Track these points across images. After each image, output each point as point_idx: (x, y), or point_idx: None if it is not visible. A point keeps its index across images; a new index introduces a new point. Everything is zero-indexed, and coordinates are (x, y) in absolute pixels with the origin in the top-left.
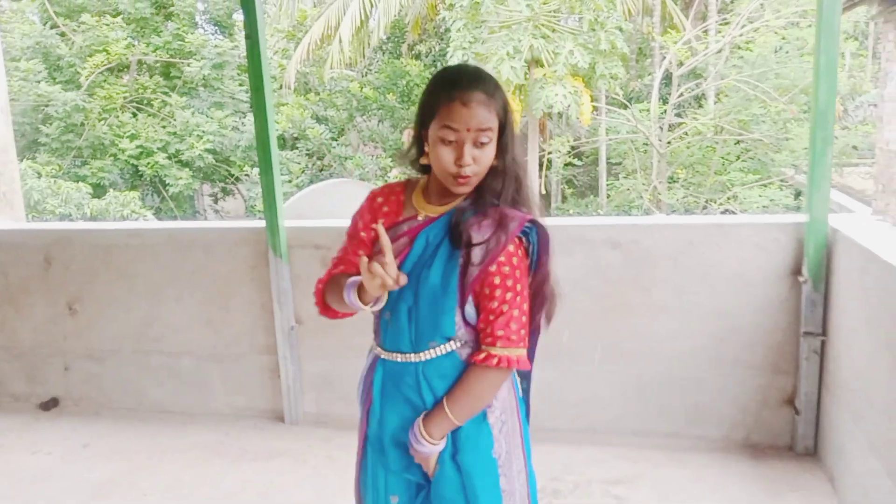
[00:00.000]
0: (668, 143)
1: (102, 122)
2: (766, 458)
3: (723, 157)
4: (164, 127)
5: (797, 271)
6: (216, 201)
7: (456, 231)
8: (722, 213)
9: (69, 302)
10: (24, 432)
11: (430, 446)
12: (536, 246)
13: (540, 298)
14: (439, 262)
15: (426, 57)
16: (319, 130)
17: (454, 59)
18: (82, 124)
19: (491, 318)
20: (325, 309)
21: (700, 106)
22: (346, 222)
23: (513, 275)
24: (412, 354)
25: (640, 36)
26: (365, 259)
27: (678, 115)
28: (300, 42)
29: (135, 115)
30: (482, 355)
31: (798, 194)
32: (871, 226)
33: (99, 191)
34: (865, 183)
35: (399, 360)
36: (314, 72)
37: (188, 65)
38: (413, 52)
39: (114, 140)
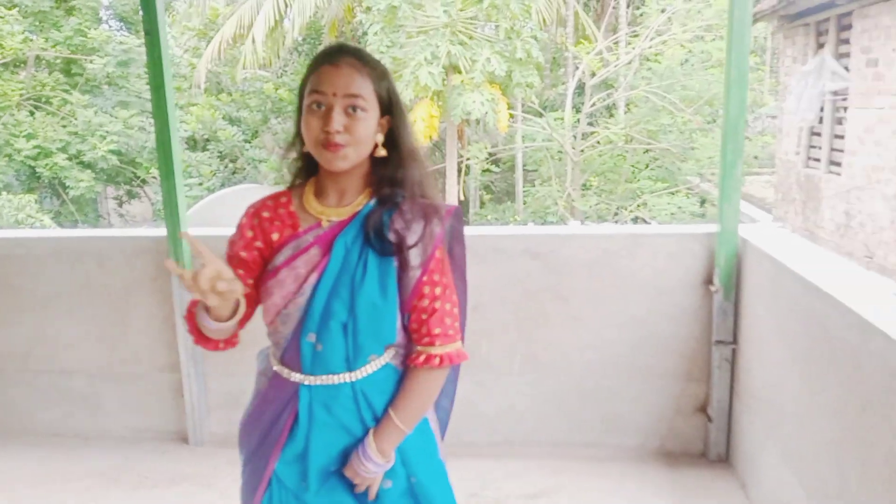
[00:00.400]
0: (582, 151)
1: None
2: (681, 466)
3: (633, 166)
4: (64, 126)
5: (709, 280)
6: (121, 205)
7: (380, 235)
8: (633, 219)
9: None
10: None
11: (383, 464)
12: (451, 234)
13: (462, 287)
14: (372, 268)
15: None
16: (232, 132)
17: None
18: None
19: (424, 316)
20: (200, 338)
21: (611, 115)
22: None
23: (438, 268)
24: (346, 374)
25: (553, 46)
26: (174, 266)
27: (590, 123)
28: (211, 40)
29: (32, 113)
30: (421, 357)
31: (703, 202)
32: (780, 236)
33: None
34: (765, 191)
35: (333, 381)
36: (226, 71)
37: (91, 61)
38: None
39: (9, 139)
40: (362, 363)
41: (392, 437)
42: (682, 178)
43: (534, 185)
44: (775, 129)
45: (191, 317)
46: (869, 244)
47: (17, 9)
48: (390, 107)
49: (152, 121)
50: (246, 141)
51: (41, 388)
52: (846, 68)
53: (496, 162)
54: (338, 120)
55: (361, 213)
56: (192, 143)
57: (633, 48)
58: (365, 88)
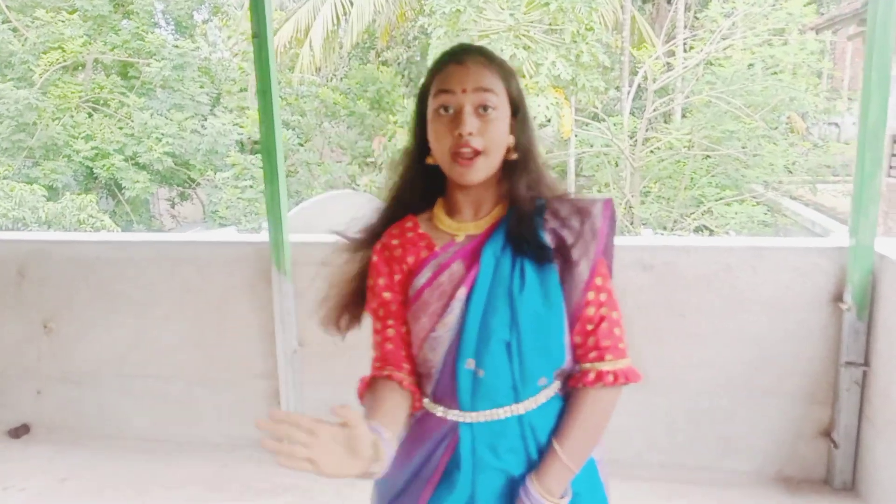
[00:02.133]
0: (644, 156)
1: (56, 122)
2: (802, 492)
3: (693, 173)
4: (120, 128)
5: (838, 298)
6: (173, 206)
7: (535, 239)
8: (696, 228)
9: (44, 320)
10: None
11: None
12: (610, 230)
13: None
14: (531, 276)
15: (395, 64)
16: (287, 135)
17: None
18: (35, 124)
19: (590, 327)
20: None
21: (666, 121)
22: (353, 237)
23: (602, 271)
24: (514, 406)
25: (608, 50)
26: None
27: (647, 129)
28: None
29: (90, 115)
30: (591, 375)
31: (769, 210)
32: None
33: (52, 193)
34: (836, 200)
35: (499, 416)
36: (281, 76)
37: (147, 65)
38: (381, 59)
39: (68, 141)
40: (532, 391)
41: (560, 475)
42: (747, 185)
43: (590, 192)
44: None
45: (362, 395)
46: None
47: (77, 13)
48: (519, 106)
49: (205, 124)
50: (300, 144)
51: (137, 394)
52: None
53: (554, 168)
54: (470, 122)
55: (504, 222)
56: (242, 146)
57: (698, 52)
58: (495, 84)
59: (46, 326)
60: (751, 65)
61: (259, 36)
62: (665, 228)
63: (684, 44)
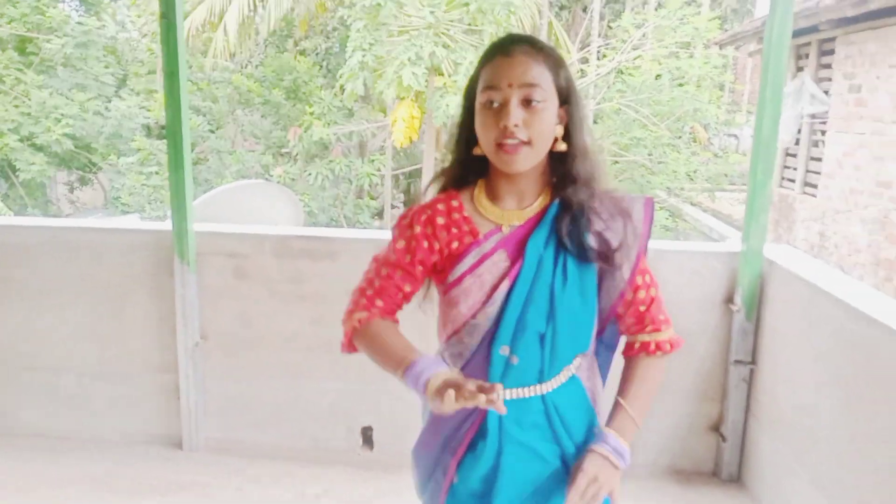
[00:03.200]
0: None
1: None
2: (692, 484)
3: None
4: (16, 107)
5: (729, 299)
6: (72, 191)
7: (580, 241)
8: None
9: None
10: None
11: (627, 456)
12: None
13: None
14: (573, 274)
15: (313, 54)
16: (197, 122)
17: (353, 59)
18: None
19: (642, 308)
20: (351, 348)
21: None
22: (264, 228)
23: (642, 265)
24: (537, 386)
25: None
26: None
27: None
28: None
29: None
30: (652, 345)
31: (671, 215)
32: (807, 260)
33: None
34: (732, 208)
35: (523, 395)
36: (193, 60)
37: (48, 41)
38: (298, 49)
39: None
40: (555, 373)
41: (628, 427)
42: (651, 191)
43: None
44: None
45: (353, 332)
46: (844, 265)
47: None
48: (568, 96)
49: (109, 106)
50: (211, 131)
51: (25, 386)
52: (826, 92)
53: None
54: (515, 114)
55: (549, 216)
56: (149, 131)
57: (610, 60)
58: (542, 77)
59: None
60: (658, 75)
61: (168, 17)
62: None
63: (598, 52)
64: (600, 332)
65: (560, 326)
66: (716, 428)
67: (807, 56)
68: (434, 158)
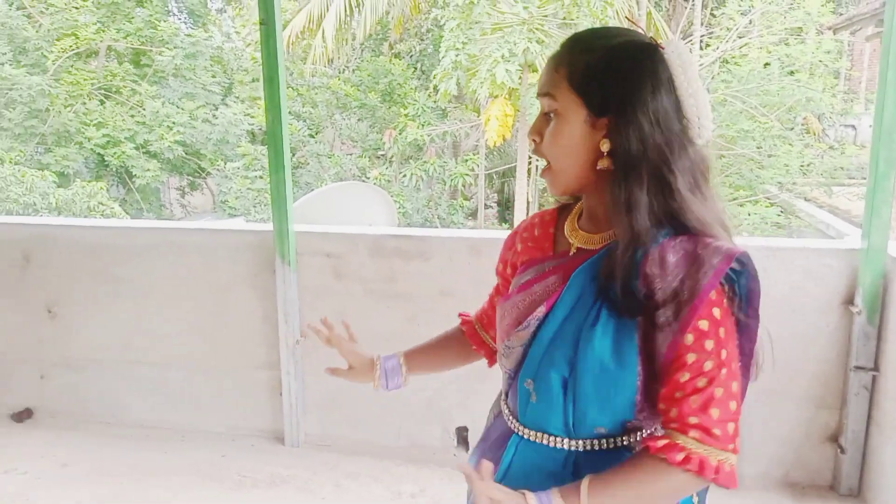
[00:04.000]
0: None
1: (68, 109)
2: (808, 498)
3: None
4: (132, 116)
5: (849, 301)
6: (183, 195)
7: (620, 283)
8: None
9: (48, 304)
10: None
11: None
12: (746, 294)
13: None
14: (606, 320)
15: (408, 56)
16: (298, 126)
17: (446, 60)
18: (47, 110)
19: (679, 395)
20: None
21: None
22: (363, 229)
23: (714, 334)
24: (566, 440)
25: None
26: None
27: None
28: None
29: (102, 102)
30: (662, 442)
31: (783, 212)
32: None
33: (63, 180)
34: (851, 204)
35: (549, 443)
36: (293, 66)
37: (160, 53)
38: (393, 52)
39: (80, 128)
40: (587, 435)
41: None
42: (761, 186)
43: None
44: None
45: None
46: None
47: (90, 1)
48: (611, 105)
49: (216, 113)
50: (310, 136)
51: (138, 380)
52: None
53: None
54: (533, 126)
55: (609, 248)
56: (253, 137)
57: (714, 50)
58: (556, 85)
59: (50, 311)
60: (767, 64)
61: (266, 23)
62: None
63: (700, 41)
64: None
65: (583, 378)
66: (834, 438)
67: None
68: (528, 156)
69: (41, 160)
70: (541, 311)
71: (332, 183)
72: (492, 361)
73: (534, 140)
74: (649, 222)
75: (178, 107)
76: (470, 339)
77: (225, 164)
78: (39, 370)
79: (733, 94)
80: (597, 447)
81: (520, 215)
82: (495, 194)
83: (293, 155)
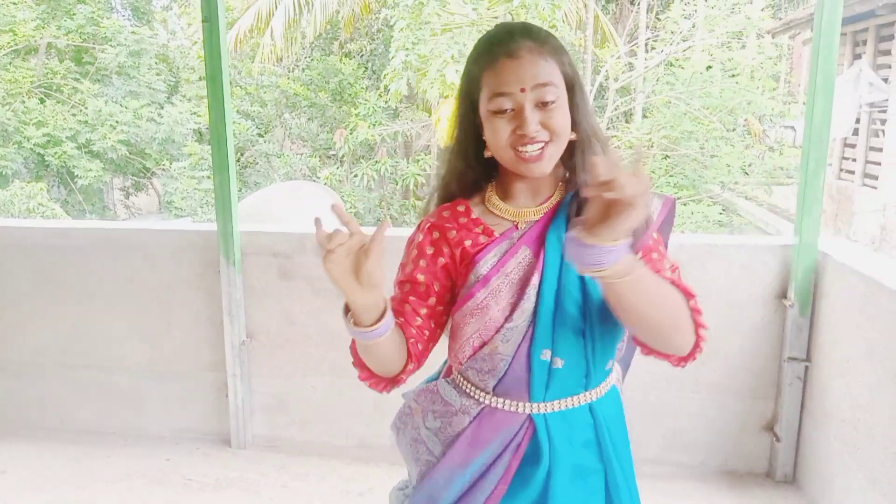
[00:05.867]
0: None
1: (6, 108)
2: (745, 485)
3: (652, 172)
4: (74, 115)
5: (783, 295)
6: (127, 196)
7: None
8: None
9: None
10: None
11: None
12: (667, 224)
13: None
14: None
15: (358, 56)
16: (246, 126)
17: (396, 60)
18: None
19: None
20: (363, 370)
21: (627, 121)
22: (308, 228)
23: (657, 248)
24: (585, 394)
25: (571, 49)
26: (341, 210)
27: (608, 128)
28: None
29: (42, 101)
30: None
31: (725, 210)
32: (864, 253)
33: (1, 181)
34: (789, 202)
35: (571, 405)
36: (241, 65)
37: (103, 51)
38: (344, 51)
39: (18, 127)
40: (601, 377)
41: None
42: (704, 186)
43: None
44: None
45: (354, 346)
46: None
47: None
48: (573, 83)
49: (161, 112)
50: (259, 135)
51: (80, 385)
52: (885, 80)
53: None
54: (532, 120)
55: (564, 205)
56: (199, 136)
57: (658, 53)
58: (553, 74)
59: None
60: (709, 67)
61: (209, 20)
62: None
63: (646, 44)
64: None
65: (595, 319)
66: (770, 427)
67: (864, 43)
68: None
69: None
70: (535, 278)
71: (281, 182)
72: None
73: (535, 132)
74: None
75: (121, 105)
76: (409, 349)
77: (171, 163)
78: None
79: (677, 96)
80: (606, 389)
81: None
82: None
83: (241, 154)
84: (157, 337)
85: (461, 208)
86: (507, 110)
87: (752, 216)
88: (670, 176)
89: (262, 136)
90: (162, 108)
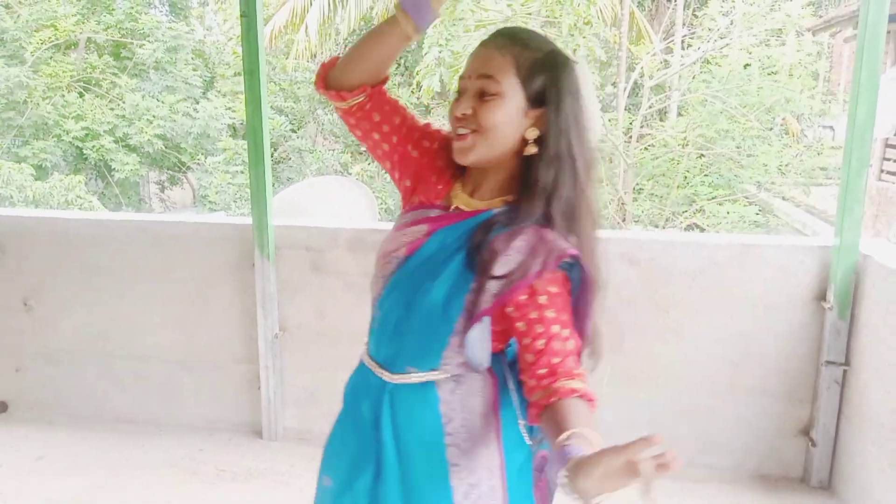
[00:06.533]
0: (639, 153)
1: (47, 101)
2: (779, 490)
3: (687, 171)
4: (111, 109)
5: (821, 297)
6: (162, 189)
7: (477, 252)
8: (688, 227)
9: (24, 297)
10: None
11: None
12: (577, 283)
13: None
14: (447, 276)
15: None
16: (279, 121)
17: (429, 55)
18: (25, 102)
19: (555, 360)
20: (334, 61)
21: (661, 119)
22: (342, 223)
23: (553, 304)
24: (385, 372)
25: (605, 45)
26: None
27: (642, 126)
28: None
29: (81, 95)
30: (572, 385)
31: (761, 211)
32: None
33: (41, 173)
34: (828, 203)
35: (373, 369)
36: (275, 61)
37: (141, 46)
38: None
39: (58, 120)
40: (399, 370)
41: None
42: (740, 185)
43: None
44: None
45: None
46: None
47: None
48: (547, 100)
49: (197, 107)
50: (292, 131)
51: (116, 373)
52: None
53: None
54: (464, 103)
55: (482, 216)
56: (233, 131)
57: (695, 50)
58: (501, 70)
59: (26, 304)
60: (747, 65)
61: (247, 15)
62: (657, 226)
63: (682, 41)
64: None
65: (414, 320)
66: (805, 432)
67: None
68: None
69: (18, 153)
70: (402, 252)
71: (312, 177)
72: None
73: (464, 114)
74: (541, 207)
75: (158, 100)
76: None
77: (206, 158)
78: (15, 363)
79: (713, 94)
80: (408, 381)
81: None
82: None
83: (275, 150)
84: (191, 328)
85: (457, 170)
86: (460, 92)
87: (789, 217)
88: (705, 175)
89: (296, 132)
90: (197, 102)
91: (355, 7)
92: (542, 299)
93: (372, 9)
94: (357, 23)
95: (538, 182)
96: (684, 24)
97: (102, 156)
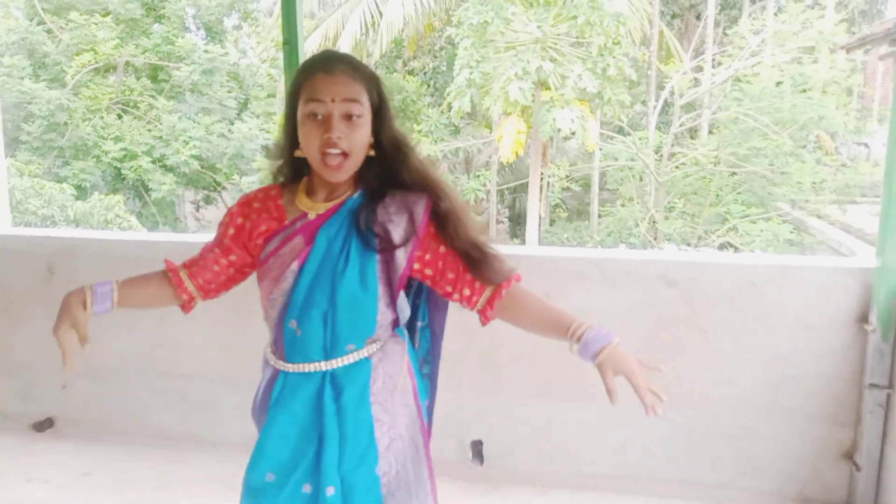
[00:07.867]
0: (670, 171)
1: (86, 123)
2: None
3: (719, 189)
4: (149, 130)
5: (863, 319)
6: (198, 209)
7: (368, 230)
8: (720, 245)
9: None
10: (18, 455)
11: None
12: (446, 216)
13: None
14: (354, 258)
15: (421, 73)
16: None
17: (460, 77)
18: (66, 124)
19: (451, 276)
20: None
21: (692, 137)
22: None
23: (422, 249)
24: (322, 363)
25: (634, 64)
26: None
27: (673, 144)
28: None
29: (120, 116)
30: (501, 289)
31: (795, 229)
32: None
33: (81, 192)
34: (864, 221)
35: (306, 370)
36: None
37: (177, 69)
38: (407, 69)
39: (97, 141)
40: (339, 353)
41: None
42: (773, 203)
43: (613, 205)
44: (879, 158)
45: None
46: None
47: (110, 16)
48: (380, 109)
49: (231, 128)
50: None
51: (160, 390)
52: None
53: (575, 180)
54: (338, 128)
55: (346, 205)
56: (268, 151)
57: (726, 68)
58: (361, 95)
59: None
60: (779, 82)
61: (290, 43)
62: (689, 244)
63: (712, 60)
64: (412, 319)
65: (340, 307)
66: (849, 456)
67: None
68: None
69: (59, 173)
70: (295, 265)
71: None
72: (187, 308)
73: (338, 138)
74: (389, 183)
75: (194, 121)
76: (175, 284)
77: (240, 178)
78: (61, 380)
79: (745, 112)
80: (347, 362)
81: (532, 230)
82: (507, 210)
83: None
84: (233, 346)
85: (273, 193)
86: (318, 115)
87: (825, 235)
88: (738, 193)
89: None
90: (232, 124)
91: (387, 31)
92: (434, 246)
93: (402, 31)
94: (388, 45)
95: (384, 170)
96: (714, 43)
97: (140, 176)
